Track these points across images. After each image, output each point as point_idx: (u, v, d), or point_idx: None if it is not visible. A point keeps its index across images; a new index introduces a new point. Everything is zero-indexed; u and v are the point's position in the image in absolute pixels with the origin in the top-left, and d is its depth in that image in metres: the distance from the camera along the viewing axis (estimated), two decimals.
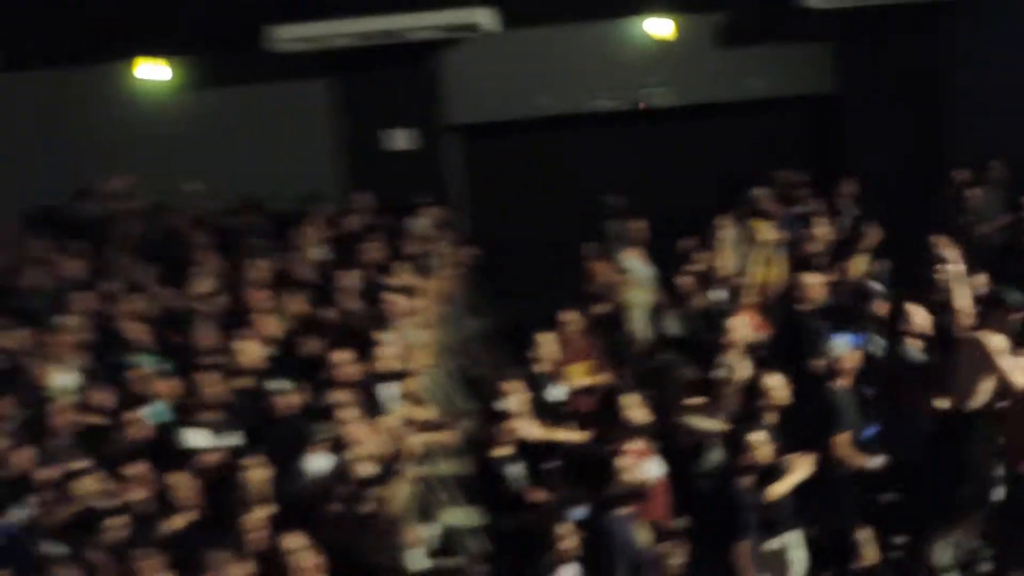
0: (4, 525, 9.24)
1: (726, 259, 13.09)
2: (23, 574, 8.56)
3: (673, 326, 12.49)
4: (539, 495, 9.73)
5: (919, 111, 17.73)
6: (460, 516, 11.22)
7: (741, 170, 16.31)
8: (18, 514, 9.41)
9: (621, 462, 8.96)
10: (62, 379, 11.39)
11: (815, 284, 12.15)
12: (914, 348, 11.07)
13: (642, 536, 8.79)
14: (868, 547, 10.65)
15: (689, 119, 18.04)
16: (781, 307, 12.87)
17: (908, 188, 17.01)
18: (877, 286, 12.67)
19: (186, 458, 9.61)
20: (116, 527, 8.73)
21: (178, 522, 9.17)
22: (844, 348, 10.96)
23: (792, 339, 12.05)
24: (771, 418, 10.04)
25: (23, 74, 17.67)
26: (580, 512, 8.98)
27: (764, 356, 11.72)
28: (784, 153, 17.05)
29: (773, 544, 9.79)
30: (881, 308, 11.97)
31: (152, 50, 17.85)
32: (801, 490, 9.98)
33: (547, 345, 11.75)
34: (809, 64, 17.97)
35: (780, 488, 9.76)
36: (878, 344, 11.64)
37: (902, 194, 16.81)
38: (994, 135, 16.91)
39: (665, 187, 17.75)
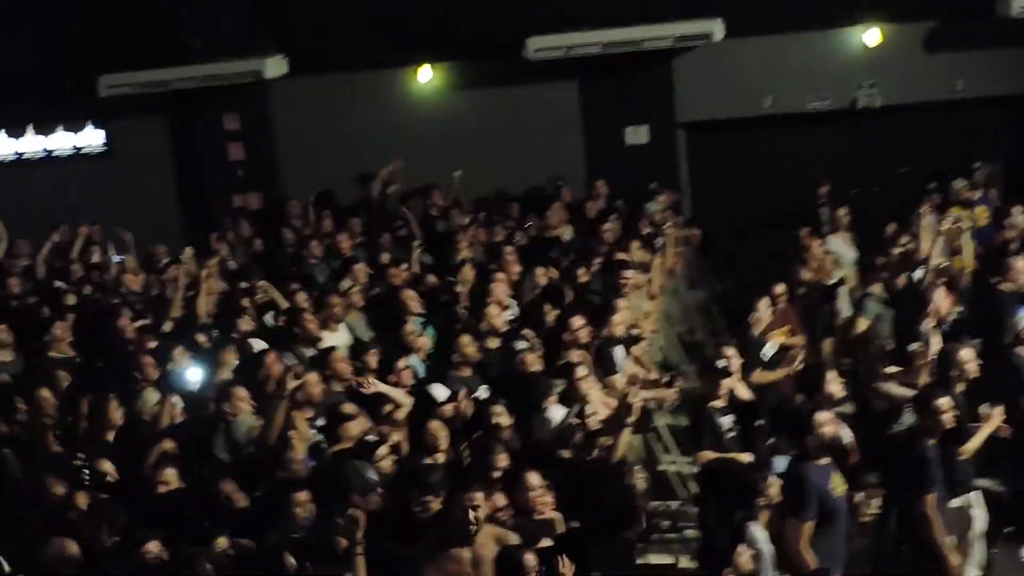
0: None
1: (926, 242, 12.78)
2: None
3: (874, 303, 12.23)
4: (746, 452, 9.65)
5: None
6: (675, 463, 11.23)
7: (942, 164, 15.88)
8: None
9: (820, 417, 8.81)
10: (335, 338, 11.64)
11: (1022, 268, 11.92)
12: None
13: (837, 486, 8.62)
14: None
15: (896, 118, 17.61)
16: (976, 286, 12.58)
17: None
18: None
19: (435, 407, 9.75)
20: (383, 457, 8.89)
21: (433, 461, 9.32)
22: None
23: (984, 315, 11.77)
24: (960, 387, 9.80)
25: (306, 78, 18.07)
26: (781, 462, 8.89)
27: (955, 330, 11.46)
28: (982, 149, 16.51)
29: (956, 502, 9.56)
30: None
31: (425, 57, 18.14)
32: (986, 451, 9.73)
33: (763, 310, 11.72)
34: (1009, 67, 17.38)
35: (971, 445, 9.52)
36: None
37: None
38: None
39: (873, 179, 17.43)
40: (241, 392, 9.97)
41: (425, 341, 11.06)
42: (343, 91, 18.10)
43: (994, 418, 9.62)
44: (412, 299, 12.25)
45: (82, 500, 8.64)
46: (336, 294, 12.31)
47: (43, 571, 7.92)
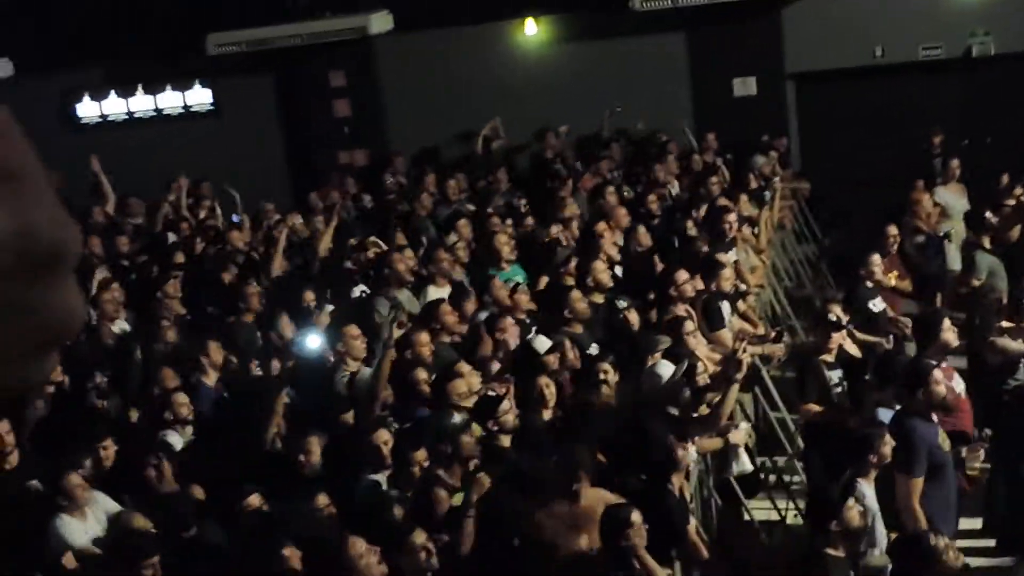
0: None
1: None
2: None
3: (985, 256, 12.07)
4: (854, 407, 9.62)
5: None
6: (783, 418, 11.22)
7: None
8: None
9: (932, 374, 8.75)
10: (441, 294, 11.72)
11: None
12: None
13: (944, 442, 8.56)
14: None
15: (1011, 66, 17.24)
16: None
17: None
18: None
19: (540, 362, 9.77)
20: (506, 412, 8.96)
21: (542, 417, 9.36)
22: None
23: None
24: None
25: (411, 33, 18.12)
26: (886, 415, 8.85)
27: None
28: None
29: None
30: None
31: (531, 10, 18.12)
32: None
33: (874, 264, 11.65)
34: None
35: None
36: None
37: None
38: None
39: (987, 129, 17.11)
40: (354, 331, 10.14)
41: (524, 299, 11.06)
42: (448, 46, 18.16)
43: None
44: (504, 245, 12.24)
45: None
46: (443, 248, 12.41)
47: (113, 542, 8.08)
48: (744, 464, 9.93)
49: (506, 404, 8.92)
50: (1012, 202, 13.02)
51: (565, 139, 16.90)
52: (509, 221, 13.62)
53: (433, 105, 18.20)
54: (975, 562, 8.87)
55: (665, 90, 17.86)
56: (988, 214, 12.38)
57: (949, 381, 9.39)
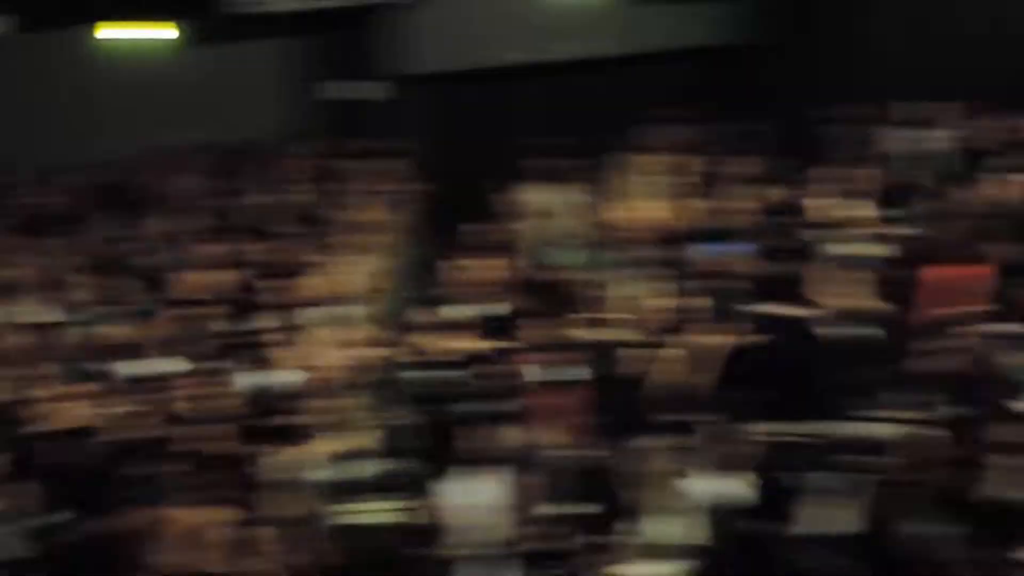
0: None
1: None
2: None
3: (568, 254, 12.54)
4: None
5: None
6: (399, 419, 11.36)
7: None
8: None
9: (514, 370, 9.03)
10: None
11: None
12: None
13: (544, 438, 8.79)
14: None
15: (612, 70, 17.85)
16: None
17: None
18: None
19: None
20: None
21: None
22: None
23: None
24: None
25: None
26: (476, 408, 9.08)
27: None
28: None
29: None
30: None
31: (126, 15, 17.59)
32: None
33: (462, 265, 11.94)
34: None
35: None
36: None
37: None
38: None
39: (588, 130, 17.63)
40: None
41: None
42: (47, 51, 17.54)
43: None
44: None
45: None
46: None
47: None
48: (361, 468, 10.01)
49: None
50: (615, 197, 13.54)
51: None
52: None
53: (33, 113, 17.51)
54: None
55: (275, 96, 17.73)
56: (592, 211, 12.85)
57: (544, 373, 9.66)
